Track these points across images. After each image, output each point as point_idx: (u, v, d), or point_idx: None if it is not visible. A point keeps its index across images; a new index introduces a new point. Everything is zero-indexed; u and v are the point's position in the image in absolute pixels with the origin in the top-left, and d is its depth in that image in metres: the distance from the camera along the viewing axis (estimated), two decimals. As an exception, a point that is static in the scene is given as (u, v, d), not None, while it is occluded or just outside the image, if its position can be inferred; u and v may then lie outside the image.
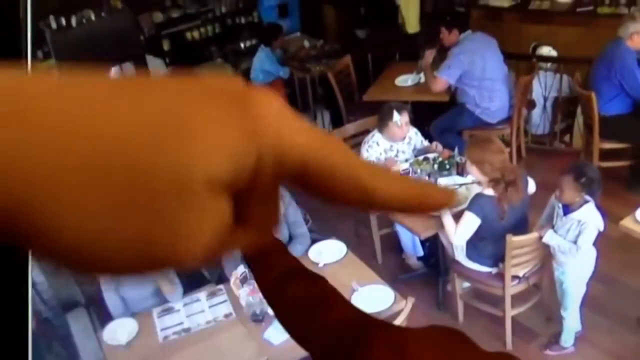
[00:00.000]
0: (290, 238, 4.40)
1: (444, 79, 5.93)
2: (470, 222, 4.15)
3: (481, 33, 6.09)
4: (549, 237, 3.97)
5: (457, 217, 4.28)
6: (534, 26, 7.85)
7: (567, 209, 3.86)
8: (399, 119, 4.93)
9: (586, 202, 3.84)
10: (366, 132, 5.39)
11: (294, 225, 4.38)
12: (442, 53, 6.42)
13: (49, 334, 4.83)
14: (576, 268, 4.01)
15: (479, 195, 4.16)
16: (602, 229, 3.90)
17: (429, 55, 6.14)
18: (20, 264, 1.84)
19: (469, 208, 4.16)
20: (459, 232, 4.20)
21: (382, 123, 5.04)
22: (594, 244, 3.97)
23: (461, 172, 4.70)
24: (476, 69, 5.86)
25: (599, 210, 3.92)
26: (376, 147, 5.10)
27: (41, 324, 4.77)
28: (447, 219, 4.26)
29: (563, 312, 4.20)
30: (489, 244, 4.26)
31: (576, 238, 3.86)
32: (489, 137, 4.30)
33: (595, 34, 6.75)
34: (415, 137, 5.20)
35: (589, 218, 3.82)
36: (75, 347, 4.68)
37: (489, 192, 4.11)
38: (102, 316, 4.38)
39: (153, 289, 4.14)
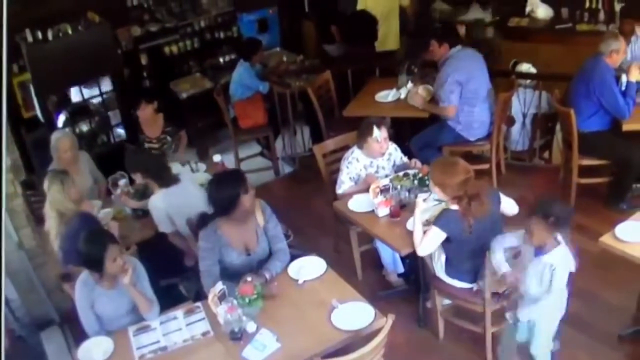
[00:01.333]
0: (270, 253, 4.35)
1: (453, 106, 5.97)
2: (434, 235, 4.17)
3: (471, 49, 6.12)
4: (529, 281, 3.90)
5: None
6: (513, 43, 7.92)
7: (539, 252, 3.80)
8: (379, 134, 4.92)
9: (558, 243, 3.78)
10: (346, 147, 5.36)
11: (273, 240, 4.34)
12: (425, 68, 6.47)
13: (23, 352, 4.75)
14: (550, 310, 3.95)
15: (445, 211, 4.20)
16: (573, 269, 3.85)
17: (418, 98, 6.21)
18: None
19: (435, 222, 4.19)
20: (423, 244, 4.22)
21: (362, 139, 5.02)
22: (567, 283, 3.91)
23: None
24: (465, 87, 5.91)
25: (570, 245, 3.86)
26: (356, 164, 5.08)
27: (14, 342, 4.69)
28: (417, 231, 4.27)
29: (534, 351, 4.12)
30: (465, 260, 4.25)
31: (549, 281, 3.78)
32: (454, 160, 4.31)
33: (574, 50, 6.80)
34: (395, 153, 5.19)
35: (561, 261, 3.76)
36: (49, 366, 4.61)
37: (454, 206, 4.14)
38: (77, 335, 4.30)
39: (129, 307, 4.07)
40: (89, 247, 3.90)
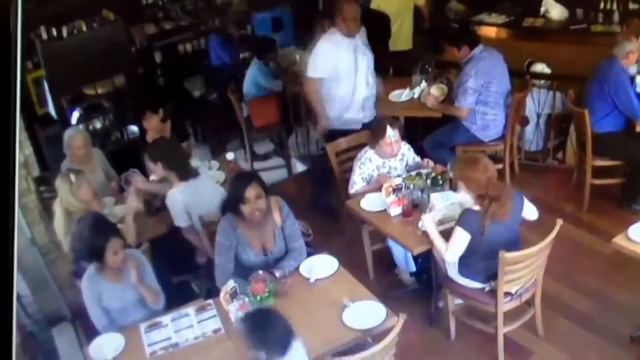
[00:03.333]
0: (287, 251, 4.36)
1: (466, 108, 5.94)
2: (460, 238, 4.14)
3: (493, 50, 6.07)
4: None
5: (443, 236, 4.27)
6: (527, 43, 7.88)
7: None
8: (392, 135, 4.90)
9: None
10: (359, 146, 5.35)
11: (290, 238, 4.34)
12: (439, 67, 6.44)
13: (34, 348, 4.77)
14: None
15: (467, 211, 4.17)
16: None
17: (432, 98, 6.21)
18: (5, 278, 1.78)
19: (457, 223, 4.17)
20: (450, 249, 4.19)
21: (374, 139, 5.01)
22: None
23: (454, 187, 4.66)
24: (485, 89, 5.89)
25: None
26: (369, 164, 5.07)
27: (26, 338, 4.71)
28: (436, 238, 4.26)
29: None
30: (480, 260, 4.23)
31: None
32: (476, 156, 4.28)
33: (589, 51, 6.76)
34: (408, 154, 5.17)
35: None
36: (61, 362, 4.62)
37: (476, 207, 4.11)
38: (88, 331, 4.32)
39: (136, 299, 4.09)
40: (92, 235, 3.93)
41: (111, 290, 4.04)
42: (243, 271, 4.19)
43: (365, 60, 5.81)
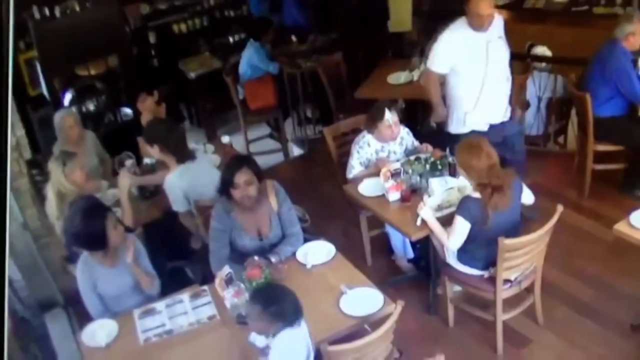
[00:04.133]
0: (283, 237, 4.29)
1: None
2: (460, 227, 4.09)
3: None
4: None
5: (442, 222, 4.24)
6: (529, 25, 7.78)
7: None
8: (390, 118, 4.82)
9: None
10: (357, 130, 5.27)
11: (286, 224, 4.27)
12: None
13: (26, 334, 4.72)
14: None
15: (466, 198, 4.11)
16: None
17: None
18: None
19: (457, 212, 4.11)
20: (452, 238, 4.14)
21: (372, 123, 4.92)
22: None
23: (453, 172, 4.60)
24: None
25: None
26: (367, 148, 4.99)
27: (18, 324, 4.66)
28: (436, 228, 4.21)
29: None
30: (479, 247, 4.17)
31: None
32: (479, 142, 4.18)
33: (591, 34, 6.66)
34: (407, 138, 5.10)
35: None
36: (53, 348, 4.57)
37: (476, 195, 4.05)
38: (81, 317, 4.27)
39: (132, 284, 4.03)
40: (86, 224, 3.82)
41: (106, 276, 3.97)
42: (239, 257, 4.14)
43: (499, 55, 5.29)
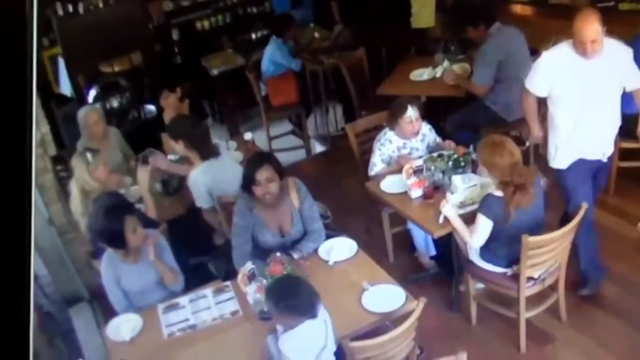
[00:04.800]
0: (305, 233, 4.29)
1: (483, 85, 5.84)
2: (483, 225, 4.07)
3: (511, 28, 5.95)
4: None
5: (465, 219, 4.22)
6: (553, 21, 7.70)
7: None
8: (411, 114, 4.80)
9: None
10: (379, 127, 5.26)
11: (308, 221, 4.28)
12: (462, 46, 6.31)
13: (51, 329, 4.76)
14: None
15: (488, 196, 4.09)
16: None
17: (451, 75, 6.10)
18: (22, 257, 1.73)
19: (479, 210, 4.09)
20: (475, 236, 4.13)
21: (393, 120, 4.91)
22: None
23: (476, 169, 4.57)
24: (503, 66, 5.77)
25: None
26: (389, 145, 4.98)
27: (43, 318, 4.71)
28: (459, 226, 4.19)
29: None
30: (502, 245, 4.15)
31: None
32: (502, 140, 4.14)
33: (616, 30, 6.57)
34: (429, 134, 5.07)
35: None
36: (78, 343, 4.61)
37: (499, 193, 4.03)
38: (106, 311, 4.30)
39: (155, 280, 4.06)
40: (107, 223, 3.87)
41: (130, 272, 4.00)
42: (261, 253, 4.15)
43: (609, 84, 4.48)
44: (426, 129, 5.06)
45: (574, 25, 4.30)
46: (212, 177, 4.66)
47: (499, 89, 5.85)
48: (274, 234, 4.23)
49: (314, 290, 3.25)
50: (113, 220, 3.85)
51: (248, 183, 4.08)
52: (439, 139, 5.11)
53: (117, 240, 3.90)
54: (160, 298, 4.07)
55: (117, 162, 5.57)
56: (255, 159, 4.22)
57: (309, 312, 3.17)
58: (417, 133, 4.95)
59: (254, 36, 9.16)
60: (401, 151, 4.99)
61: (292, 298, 3.17)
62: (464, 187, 4.38)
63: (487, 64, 5.78)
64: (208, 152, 4.73)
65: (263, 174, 4.03)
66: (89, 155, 4.66)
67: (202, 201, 4.74)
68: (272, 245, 4.21)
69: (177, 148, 4.79)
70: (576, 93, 4.46)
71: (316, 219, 4.31)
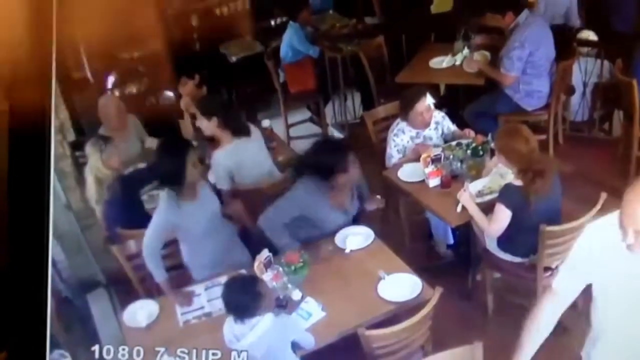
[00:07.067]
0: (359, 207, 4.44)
1: (513, 75, 5.79)
2: (502, 215, 4.05)
3: (538, 16, 5.90)
4: None
5: (483, 208, 4.21)
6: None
7: None
8: (421, 105, 4.77)
9: None
10: (398, 115, 5.23)
11: (359, 188, 4.45)
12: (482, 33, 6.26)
13: (69, 314, 4.79)
14: None
15: (507, 186, 4.07)
16: None
17: (475, 64, 6.04)
18: (40, 242, 1.74)
19: (499, 199, 4.08)
20: (493, 225, 4.11)
21: (403, 111, 4.90)
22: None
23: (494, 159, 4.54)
24: (533, 56, 5.72)
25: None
26: (402, 136, 4.97)
27: (61, 303, 4.74)
28: (477, 215, 4.17)
29: None
30: (520, 234, 4.13)
31: None
32: (518, 127, 4.14)
33: (640, 19, 6.52)
34: (442, 122, 5.04)
35: None
36: (95, 328, 4.64)
37: (518, 182, 4.01)
38: (123, 297, 4.33)
39: (216, 211, 4.17)
40: (169, 156, 3.97)
41: (192, 210, 4.01)
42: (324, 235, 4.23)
43: None
44: (439, 116, 5.02)
45: None
46: (235, 161, 4.64)
47: (522, 79, 5.80)
48: (337, 212, 4.27)
49: (262, 299, 3.30)
50: (176, 153, 3.89)
51: (331, 172, 4.10)
52: (452, 127, 5.07)
53: (177, 175, 3.89)
54: (229, 234, 4.22)
55: (135, 151, 5.57)
56: (338, 148, 4.33)
57: (242, 314, 3.33)
58: (428, 124, 4.93)
59: (273, 23, 9.12)
60: (415, 141, 4.97)
61: (232, 295, 3.34)
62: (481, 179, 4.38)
63: (520, 53, 5.71)
64: (240, 129, 4.71)
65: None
66: (102, 144, 4.67)
67: (220, 182, 4.72)
68: (340, 223, 4.28)
69: (208, 126, 4.73)
70: None
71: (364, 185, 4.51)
